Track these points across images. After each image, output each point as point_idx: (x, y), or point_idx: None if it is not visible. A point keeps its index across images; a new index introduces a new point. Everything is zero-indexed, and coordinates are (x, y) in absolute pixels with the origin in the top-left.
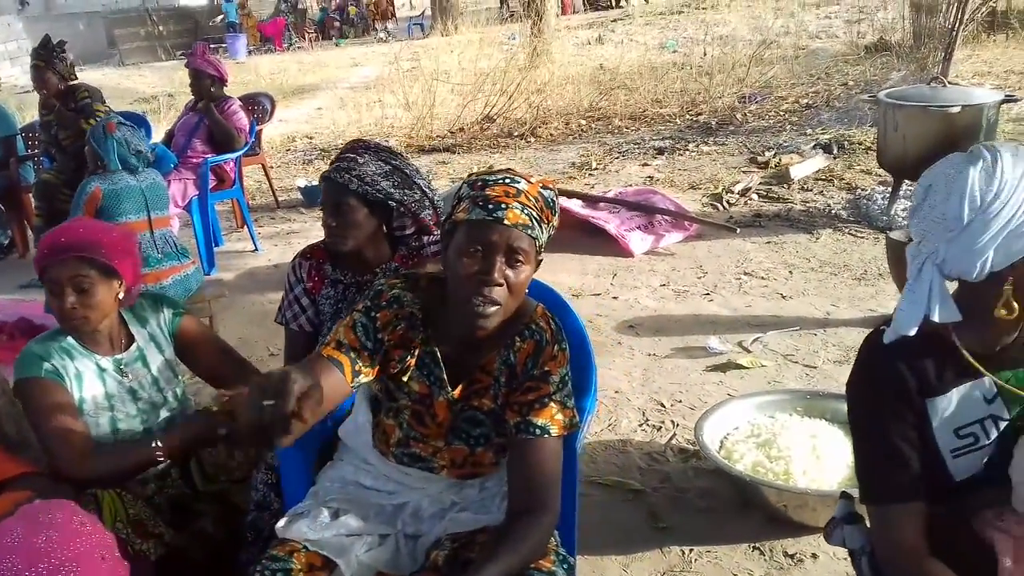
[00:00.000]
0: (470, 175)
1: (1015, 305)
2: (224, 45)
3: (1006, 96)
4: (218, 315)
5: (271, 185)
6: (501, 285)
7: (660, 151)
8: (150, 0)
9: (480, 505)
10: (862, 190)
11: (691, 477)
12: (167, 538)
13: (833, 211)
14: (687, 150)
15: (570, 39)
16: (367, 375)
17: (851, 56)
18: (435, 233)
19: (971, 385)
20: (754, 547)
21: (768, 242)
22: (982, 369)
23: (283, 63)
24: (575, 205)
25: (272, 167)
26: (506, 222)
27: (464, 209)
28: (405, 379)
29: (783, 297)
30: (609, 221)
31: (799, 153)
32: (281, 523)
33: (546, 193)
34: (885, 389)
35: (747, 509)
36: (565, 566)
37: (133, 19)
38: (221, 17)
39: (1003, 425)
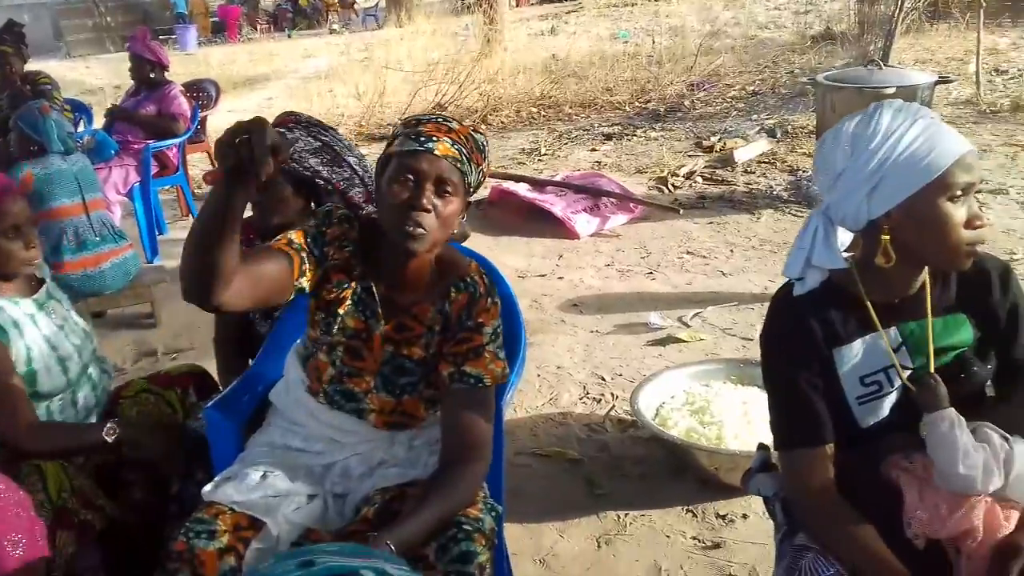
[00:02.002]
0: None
1: (892, 254)
2: (174, 36)
3: (939, 77)
4: (160, 302)
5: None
6: (430, 211)
7: (609, 137)
8: None
9: (408, 461)
10: (803, 171)
11: (628, 445)
12: (108, 510)
13: (775, 192)
14: (635, 136)
15: (524, 29)
16: (308, 280)
17: (798, 45)
18: (365, 210)
19: (876, 335)
20: (687, 509)
21: (711, 222)
22: (877, 323)
23: (234, 54)
24: (522, 189)
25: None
26: (436, 152)
27: (397, 143)
28: (341, 311)
29: (723, 274)
30: (555, 204)
31: (744, 138)
32: (208, 487)
33: (477, 136)
34: (793, 340)
35: (681, 474)
36: (493, 514)
37: (80, 10)
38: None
39: (904, 372)
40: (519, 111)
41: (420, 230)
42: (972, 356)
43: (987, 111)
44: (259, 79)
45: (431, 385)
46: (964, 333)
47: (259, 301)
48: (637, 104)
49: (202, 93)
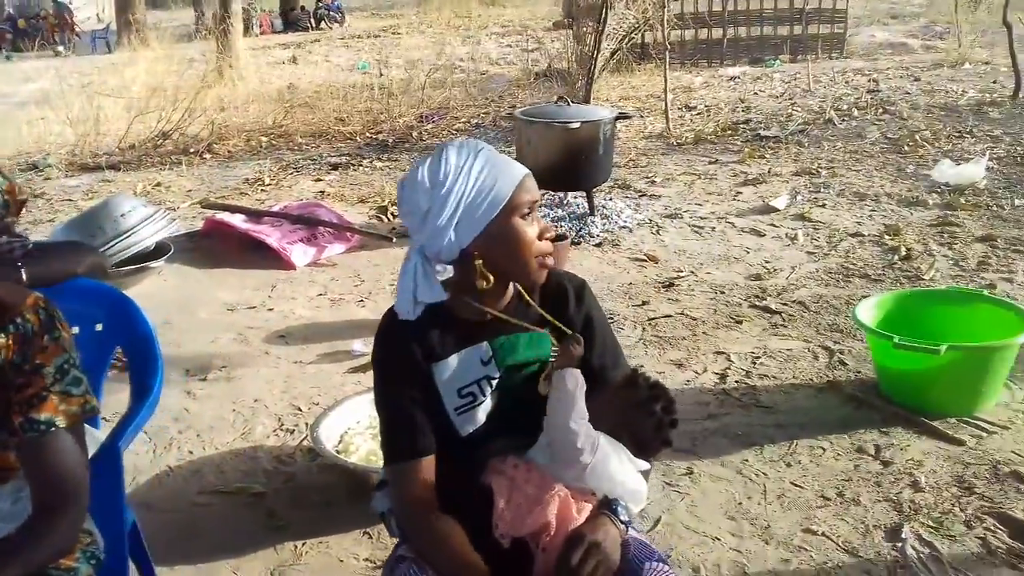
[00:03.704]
0: None
1: (490, 276)
2: None
3: (619, 113)
4: None
5: None
6: None
7: (335, 166)
8: None
9: (12, 515)
10: None
11: (315, 474)
12: None
13: None
14: (361, 166)
15: (265, 57)
16: None
17: (523, 81)
18: None
19: (471, 350)
20: (364, 532)
21: None
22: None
23: None
24: (237, 220)
25: None
26: None
27: None
28: None
29: None
30: (271, 235)
31: None
32: None
33: None
34: (395, 359)
35: (360, 497)
36: (93, 562)
37: None
38: None
39: (494, 383)
40: (249, 140)
41: None
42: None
43: (675, 143)
44: None
45: (14, 433)
46: (546, 346)
47: None
48: (368, 135)
49: None
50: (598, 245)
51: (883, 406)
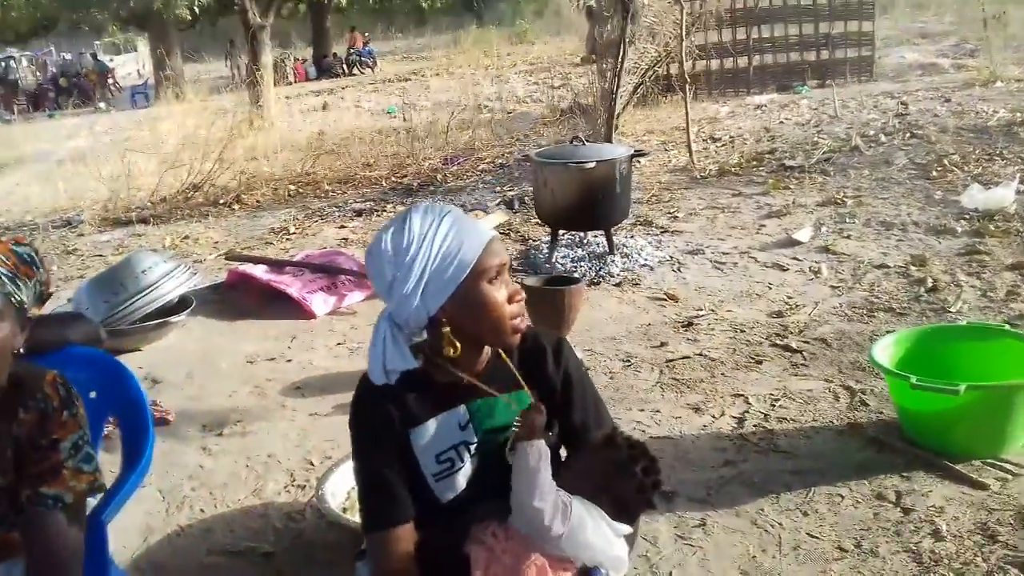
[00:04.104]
0: None
1: (456, 343)
2: None
3: (635, 151)
4: None
5: None
6: None
7: (359, 212)
8: None
9: None
10: (534, 241)
11: (323, 531)
12: None
13: None
14: (384, 211)
15: (298, 105)
16: None
17: (549, 118)
18: None
19: (448, 414)
20: None
21: None
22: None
23: None
24: (260, 271)
25: None
26: None
27: None
28: None
29: None
30: (291, 285)
31: (484, 210)
32: None
33: (20, 250)
34: (371, 424)
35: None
36: None
37: None
38: None
39: (472, 448)
40: (276, 189)
41: None
42: None
43: (698, 176)
44: (8, 164)
45: (21, 509)
46: (525, 407)
47: None
48: (394, 179)
49: None
50: (618, 285)
51: (905, 449)
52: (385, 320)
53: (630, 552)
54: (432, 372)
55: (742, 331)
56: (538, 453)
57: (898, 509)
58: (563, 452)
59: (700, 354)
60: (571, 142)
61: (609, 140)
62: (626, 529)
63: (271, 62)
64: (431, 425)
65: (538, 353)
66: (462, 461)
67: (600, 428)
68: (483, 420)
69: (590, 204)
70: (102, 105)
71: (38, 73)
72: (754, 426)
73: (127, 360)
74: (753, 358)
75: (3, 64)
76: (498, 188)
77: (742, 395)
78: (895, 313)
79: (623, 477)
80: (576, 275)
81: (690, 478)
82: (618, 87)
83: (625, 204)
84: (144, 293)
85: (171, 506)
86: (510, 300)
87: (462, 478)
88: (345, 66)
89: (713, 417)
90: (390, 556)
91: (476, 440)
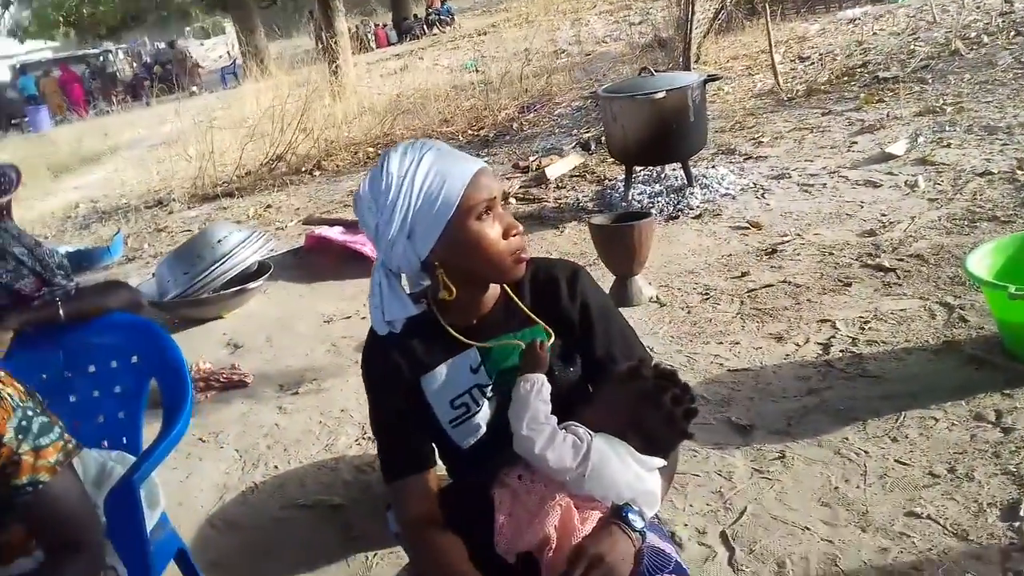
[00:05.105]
0: None
1: (452, 286)
2: (26, 119)
3: (708, 76)
4: None
5: None
6: None
7: None
8: None
9: None
10: (609, 181)
11: None
12: None
13: (581, 204)
14: None
15: (378, 70)
16: None
17: (628, 56)
18: (37, 299)
19: (458, 358)
20: None
21: None
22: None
23: (87, 129)
24: (335, 233)
25: (48, 236)
26: None
27: None
28: None
29: None
30: (366, 244)
31: (560, 154)
32: None
33: None
34: (380, 374)
35: None
36: None
37: None
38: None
39: (488, 391)
40: (355, 153)
41: None
42: (553, 360)
43: (785, 99)
44: (107, 152)
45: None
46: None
47: None
48: (470, 132)
49: (3, 178)
50: (697, 217)
51: (1006, 365)
52: (379, 269)
53: (667, 485)
54: (440, 316)
55: (830, 254)
56: (531, 383)
57: (997, 429)
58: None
59: (784, 281)
60: (639, 74)
61: (687, 69)
62: (658, 463)
63: (346, 29)
64: (442, 371)
65: (552, 286)
66: (478, 405)
67: (629, 360)
68: (496, 361)
69: (663, 136)
70: (193, 88)
71: (134, 64)
72: (840, 351)
73: (211, 328)
74: (841, 281)
75: (101, 58)
76: (574, 131)
77: (828, 320)
78: (999, 222)
79: (651, 408)
80: (651, 211)
81: (770, 410)
82: (692, 13)
83: (701, 133)
84: (221, 262)
85: (247, 464)
86: (505, 234)
87: (480, 422)
88: (425, 26)
89: (796, 345)
90: (411, 505)
91: (490, 382)
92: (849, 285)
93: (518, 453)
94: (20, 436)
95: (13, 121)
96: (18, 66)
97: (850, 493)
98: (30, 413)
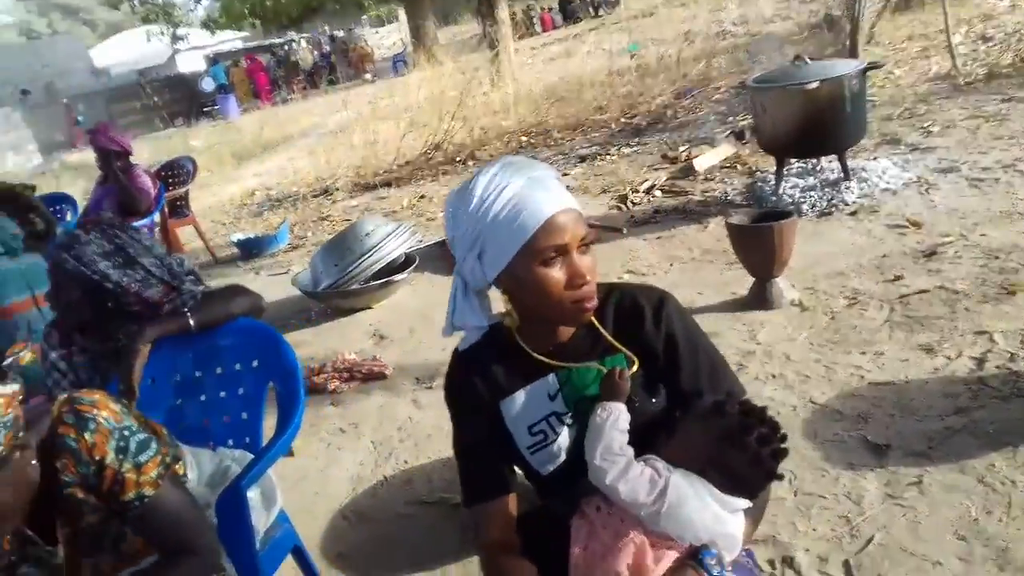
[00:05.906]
0: None
1: (515, 315)
2: (216, 107)
3: (868, 64)
4: None
5: (206, 243)
6: None
7: (583, 159)
8: (149, 72)
9: None
10: (761, 173)
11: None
12: None
13: (728, 198)
14: (608, 155)
15: (542, 55)
16: None
17: (796, 36)
18: (164, 307)
19: (538, 384)
20: None
21: (659, 237)
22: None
23: (268, 117)
24: None
25: (225, 223)
26: None
27: None
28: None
29: None
30: None
31: (711, 144)
32: None
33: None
34: (461, 397)
35: None
36: None
37: (128, 93)
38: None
39: (567, 418)
40: (508, 142)
41: None
42: (634, 390)
43: (962, 83)
44: (287, 140)
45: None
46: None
47: None
48: (623, 120)
49: (181, 170)
50: (852, 213)
51: None
52: (457, 275)
53: (752, 528)
54: (521, 340)
55: (995, 258)
56: (608, 412)
57: None
58: None
59: (941, 287)
60: (793, 62)
61: (854, 53)
62: (741, 504)
63: (507, 17)
64: (520, 396)
65: (636, 313)
66: (555, 433)
67: (716, 394)
68: (576, 388)
69: (815, 128)
70: (367, 76)
71: (314, 52)
72: (996, 367)
73: (359, 318)
74: (1005, 288)
75: (286, 47)
76: (730, 119)
77: (986, 332)
78: None
79: (735, 448)
80: (803, 207)
81: (910, 429)
82: None
83: (859, 124)
84: (369, 254)
85: (380, 457)
86: (570, 283)
87: (559, 449)
88: (591, 8)
89: (947, 359)
90: (490, 529)
91: (567, 411)
92: (1013, 294)
93: (592, 479)
94: (120, 456)
95: (204, 108)
96: (211, 56)
97: (990, 527)
98: (127, 433)
